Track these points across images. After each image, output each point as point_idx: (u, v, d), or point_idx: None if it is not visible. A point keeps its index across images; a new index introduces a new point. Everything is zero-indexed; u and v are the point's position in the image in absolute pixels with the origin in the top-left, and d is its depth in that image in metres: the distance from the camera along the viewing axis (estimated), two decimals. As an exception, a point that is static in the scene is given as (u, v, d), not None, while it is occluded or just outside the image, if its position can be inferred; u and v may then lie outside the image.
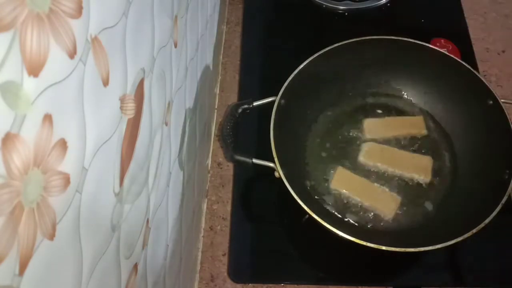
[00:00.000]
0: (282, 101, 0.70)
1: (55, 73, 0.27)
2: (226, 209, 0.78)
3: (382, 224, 0.69)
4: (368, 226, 0.69)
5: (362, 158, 0.74)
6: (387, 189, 0.71)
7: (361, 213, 0.70)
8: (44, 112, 0.26)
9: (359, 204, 0.70)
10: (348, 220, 0.69)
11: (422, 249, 0.58)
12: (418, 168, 0.72)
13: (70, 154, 0.29)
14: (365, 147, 0.75)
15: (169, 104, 0.53)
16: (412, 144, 0.76)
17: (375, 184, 0.71)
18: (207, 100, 0.80)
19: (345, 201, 0.71)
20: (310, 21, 0.98)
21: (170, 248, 0.58)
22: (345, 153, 0.75)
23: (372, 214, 0.69)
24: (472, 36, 0.93)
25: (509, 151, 0.66)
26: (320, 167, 0.74)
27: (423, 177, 0.72)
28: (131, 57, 0.39)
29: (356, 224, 0.69)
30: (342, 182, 0.71)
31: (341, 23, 0.97)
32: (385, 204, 0.69)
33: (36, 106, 0.25)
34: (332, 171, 0.73)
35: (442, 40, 0.88)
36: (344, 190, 0.71)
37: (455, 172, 0.73)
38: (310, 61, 0.74)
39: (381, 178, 0.73)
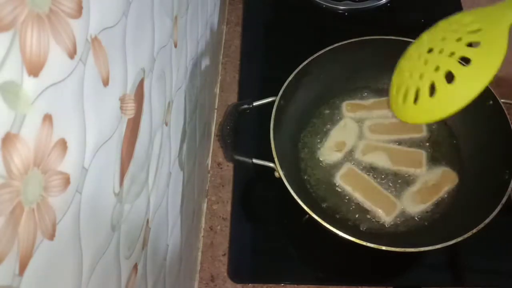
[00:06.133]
0: (282, 101, 0.70)
1: (55, 73, 0.27)
2: (226, 209, 0.78)
3: (382, 224, 0.69)
4: (368, 226, 0.69)
5: (358, 156, 0.74)
6: (389, 194, 0.71)
7: (361, 213, 0.70)
8: (44, 112, 0.26)
9: (360, 204, 0.70)
10: (349, 220, 0.69)
11: (422, 249, 0.58)
12: (412, 162, 0.73)
13: (70, 154, 0.29)
14: (360, 145, 0.75)
15: (169, 104, 0.53)
16: (412, 144, 0.76)
17: (379, 187, 0.71)
18: (207, 100, 0.80)
19: (346, 201, 0.71)
20: (310, 21, 0.98)
21: (170, 248, 0.58)
22: (345, 152, 0.75)
23: (371, 215, 0.69)
24: (472, 36, 0.92)
25: (509, 151, 0.66)
26: (320, 167, 0.74)
27: (419, 170, 0.72)
28: (131, 57, 0.39)
29: (356, 224, 0.69)
30: (348, 179, 0.72)
31: (341, 23, 0.97)
32: (384, 208, 0.69)
33: (36, 106, 0.25)
34: (332, 170, 0.73)
35: (442, 40, 0.88)
36: (347, 187, 0.71)
37: (454, 172, 0.73)
38: (310, 61, 0.74)
39: (378, 175, 0.73)
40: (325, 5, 0.98)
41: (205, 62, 0.75)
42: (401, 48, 0.76)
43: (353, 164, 0.74)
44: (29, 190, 0.25)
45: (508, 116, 0.67)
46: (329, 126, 0.78)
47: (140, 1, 0.40)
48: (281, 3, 1.03)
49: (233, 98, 0.90)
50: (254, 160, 0.65)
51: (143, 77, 0.43)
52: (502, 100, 0.68)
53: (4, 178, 0.22)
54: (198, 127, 0.71)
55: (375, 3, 0.98)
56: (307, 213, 0.60)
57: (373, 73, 0.81)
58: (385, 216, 0.69)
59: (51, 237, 0.27)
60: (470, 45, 0.52)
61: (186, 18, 0.60)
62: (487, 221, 0.58)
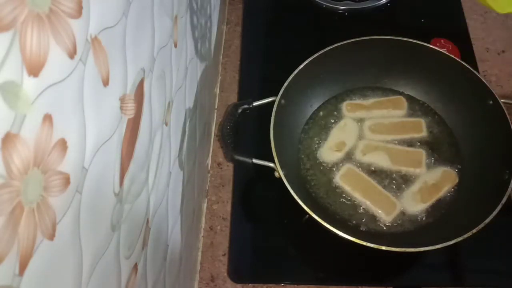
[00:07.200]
0: (282, 101, 0.70)
1: (55, 73, 0.27)
2: (226, 209, 0.78)
3: (382, 224, 0.69)
4: (368, 226, 0.69)
5: (358, 156, 0.74)
6: (389, 194, 0.71)
7: (361, 213, 0.70)
8: (44, 112, 0.26)
9: (359, 204, 0.70)
10: (349, 220, 0.69)
11: (422, 249, 0.58)
12: (412, 162, 0.73)
13: (70, 154, 0.29)
14: (360, 145, 0.75)
15: (169, 104, 0.53)
16: (412, 144, 0.76)
17: (379, 187, 0.71)
18: (207, 100, 0.80)
19: (346, 201, 0.71)
20: (310, 21, 0.98)
21: (170, 248, 0.58)
22: (345, 152, 0.75)
23: (371, 215, 0.69)
24: (472, 36, 0.93)
25: (509, 151, 0.66)
26: (320, 167, 0.74)
27: (419, 170, 0.72)
28: (131, 57, 0.39)
29: (356, 224, 0.69)
30: (348, 179, 0.72)
31: (341, 23, 0.97)
32: (384, 208, 0.69)
33: (36, 106, 0.25)
34: (332, 170, 0.73)
35: (442, 40, 0.88)
36: (347, 187, 0.71)
37: (454, 172, 0.73)
38: (310, 61, 0.74)
39: (378, 175, 0.73)
40: (325, 5, 0.98)
41: (205, 62, 0.75)
42: (401, 48, 0.77)
43: (353, 164, 0.74)
44: (29, 190, 0.25)
45: (508, 116, 0.67)
46: (329, 126, 0.78)
47: (140, 1, 0.40)
48: (281, 3, 1.03)
49: (233, 98, 0.90)
50: (254, 160, 0.65)
51: (143, 77, 0.43)
52: (502, 100, 0.68)
53: (4, 178, 0.22)
54: (198, 127, 0.71)
55: (375, 3, 0.98)
56: (307, 213, 0.60)
57: (373, 73, 0.81)
58: (385, 216, 0.69)
59: (51, 237, 0.27)
60: None
61: (186, 18, 0.60)
62: (487, 221, 0.58)
